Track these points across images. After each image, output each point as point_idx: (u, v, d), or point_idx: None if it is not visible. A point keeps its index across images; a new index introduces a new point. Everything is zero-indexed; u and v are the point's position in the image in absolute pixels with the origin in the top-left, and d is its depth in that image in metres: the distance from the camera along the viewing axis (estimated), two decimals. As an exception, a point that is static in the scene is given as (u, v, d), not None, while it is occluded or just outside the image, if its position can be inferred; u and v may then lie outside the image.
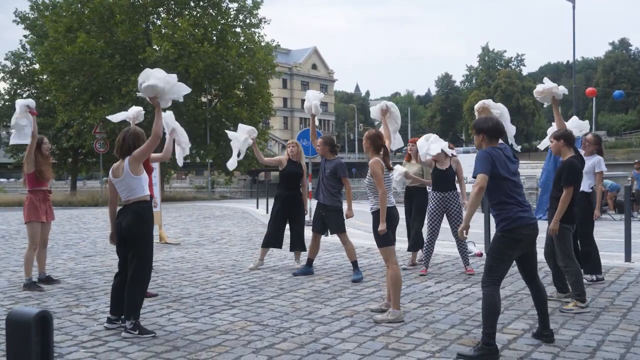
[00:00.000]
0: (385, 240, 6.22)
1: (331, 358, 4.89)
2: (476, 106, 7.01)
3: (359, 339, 5.44)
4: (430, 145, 8.74)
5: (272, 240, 9.23)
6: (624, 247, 9.29)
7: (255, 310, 6.56)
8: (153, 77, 5.83)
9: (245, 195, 53.77)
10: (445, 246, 11.06)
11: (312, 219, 9.14)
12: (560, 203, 6.42)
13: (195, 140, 39.70)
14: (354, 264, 8.45)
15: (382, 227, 6.14)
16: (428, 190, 9.35)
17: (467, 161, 14.46)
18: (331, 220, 8.67)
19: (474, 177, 4.94)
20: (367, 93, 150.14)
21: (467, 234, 5.19)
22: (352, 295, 7.29)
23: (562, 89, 7.54)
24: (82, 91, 36.66)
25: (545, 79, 7.79)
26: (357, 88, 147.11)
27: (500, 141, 5.23)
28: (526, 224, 4.96)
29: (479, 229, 10.54)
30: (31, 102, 7.97)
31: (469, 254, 10.36)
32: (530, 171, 40.49)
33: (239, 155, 9.21)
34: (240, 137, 9.19)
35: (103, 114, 33.98)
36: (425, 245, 8.97)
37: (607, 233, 13.77)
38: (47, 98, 40.97)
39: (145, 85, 5.79)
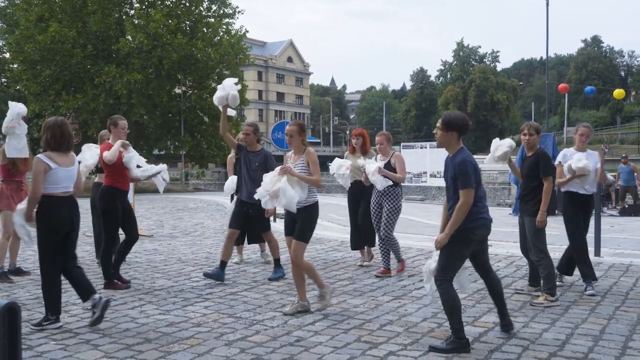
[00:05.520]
0: (307, 236, 6.27)
1: (304, 350, 4.90)
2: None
3: (332, 331, 5.45)
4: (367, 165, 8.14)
5: (239, 237, 8.98)
6: (594, 242, 9.41)
7: (228, 303, 6.54)
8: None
9: (219, 187, 53.14)
10: (418, 239, 11.13)
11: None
12: (543, 194, 6.50)
13: (169, 132, 39.40)
14: (277, 261, 8.17)
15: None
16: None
17: (434, 157, 14.20)
18: (258, 218, 7.94)
19: (462, 189, 4.93)
20: (344, 86, 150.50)
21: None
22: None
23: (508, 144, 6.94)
24: (53, 81, 36.22)
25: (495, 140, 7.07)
26: (332, 81, 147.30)
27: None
28: (481, 225, 5.06)
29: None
30: (24, 109, 7.37)
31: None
32: (504, 166, 40.62)
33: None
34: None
35: (76, 104, 33.62)
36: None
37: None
38: (17, 87, 40.33)
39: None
